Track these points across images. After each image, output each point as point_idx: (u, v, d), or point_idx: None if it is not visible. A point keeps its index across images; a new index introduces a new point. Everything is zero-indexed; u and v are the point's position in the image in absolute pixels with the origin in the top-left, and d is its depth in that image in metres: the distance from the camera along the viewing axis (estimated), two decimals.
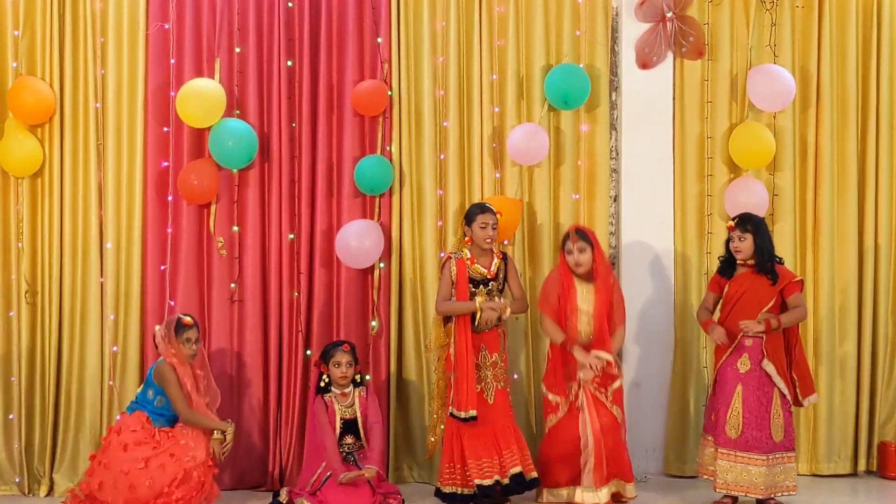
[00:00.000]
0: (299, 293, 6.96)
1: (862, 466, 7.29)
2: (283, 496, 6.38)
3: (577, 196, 7.17)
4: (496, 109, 7.13)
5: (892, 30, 7.33)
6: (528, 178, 7.17)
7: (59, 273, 6.85)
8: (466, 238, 6.53)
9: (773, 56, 7.22)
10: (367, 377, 6.72)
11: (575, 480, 6.28)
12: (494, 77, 7.13)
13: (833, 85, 7.27)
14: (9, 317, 6.83)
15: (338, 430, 6.43)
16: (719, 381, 6.38)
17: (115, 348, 6.85)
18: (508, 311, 6.42)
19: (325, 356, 6.54)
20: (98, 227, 6.89)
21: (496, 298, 6.46)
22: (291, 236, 6.98)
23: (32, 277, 6.84)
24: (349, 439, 6.47)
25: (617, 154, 7.27)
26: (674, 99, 7.26)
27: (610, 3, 7.22)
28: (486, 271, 6.50)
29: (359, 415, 6.47)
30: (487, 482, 6.29)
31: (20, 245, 6.82)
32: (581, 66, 7.11)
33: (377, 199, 7.02)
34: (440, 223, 7.10)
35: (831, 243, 7.27)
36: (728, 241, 6.46)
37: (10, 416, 6.79)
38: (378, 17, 7.02)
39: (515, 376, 7.09)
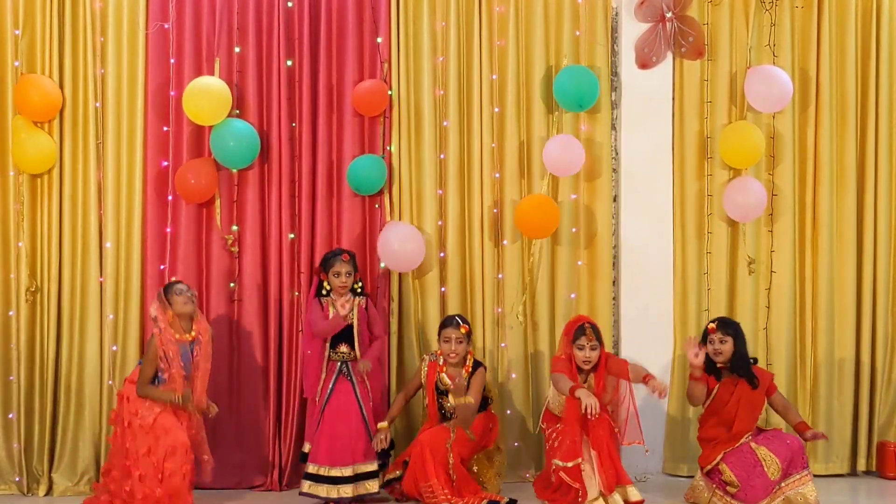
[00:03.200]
0: (299, 293, 6.96)
1: (862, 466, 7.30)
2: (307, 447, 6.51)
3: (577, 196, 7.17)
4: (496, 109, 7.13)
5: (891, 30, 7.34)
6: (528, 178, 7.17)
7: (58, 272, 6.85)
8: (439, 350, 6.62)
9: (773, 56, 7.23)
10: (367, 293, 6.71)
11: None
12: (494, 77, 7.13)
13: (832, 85, 7.28)
14: (8, 316, 6.83)
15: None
16: (735, 457, 6.39)
17: (114, 347, 6.84)
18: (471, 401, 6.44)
19: (325, 265, 6.52)
20: (97, 226, 6.89)
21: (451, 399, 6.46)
22: (291, 236, 6.99)
23: (32, 276, 6.83)
24: (343, 347, 6.46)
25: (616, 154, 7.27)
26: (673, 99, 7.27)
27: (609, 3, 7.22)
28: (450, 383, 6.51)
29: (356, 323, 6.46)
30: None
31: (20, 245, 6.81)
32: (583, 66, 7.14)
33: (377, 199, 7.02)
34: (440, 223, 7.10)
35: (830, 243, 7.28)
36: (703, 342, 6.48)
37: (10, 416, 6.79)
38: (378, 17, 7.03)
39: (513, 375, 7.12)
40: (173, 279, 6.48)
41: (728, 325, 6.53)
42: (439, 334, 6.61)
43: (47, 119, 6.81)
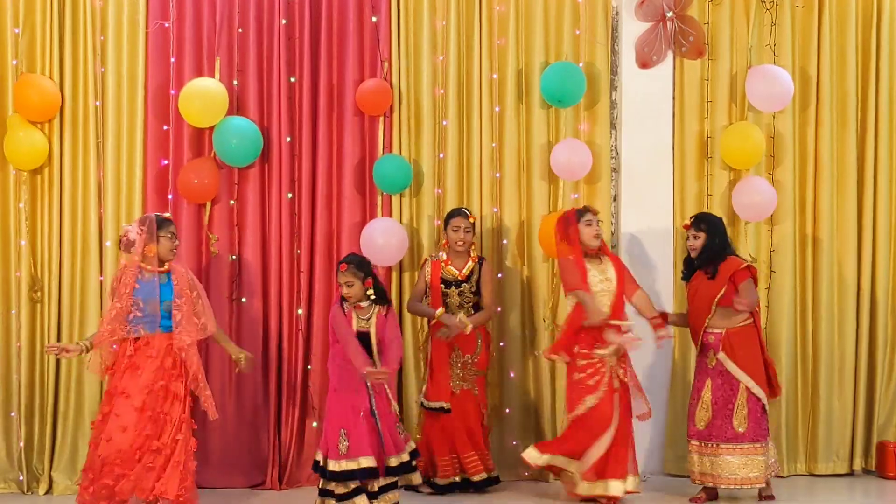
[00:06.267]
0: (299, 291, 6.96)
1: (858, 466, 7.29)
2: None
3: (577, 196, 7.17)
4: (496, 109, 7.13)
5: (891, 30, 7.34)
6: (527, 178, 7.17)
7: (58, 271, 6.85)
8: (444, 241, 6.74)
9: (773, 56, 7.23)
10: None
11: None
12: (494, 76, 7.13)
13: (832, 85, 7.28)
14: (9, 314, 6.83)
15: None
16: (695, 376, 6.65)
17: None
18: (469, 328, 6.55)
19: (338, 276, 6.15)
20: (98, 225, 6.89)
21: (460, 315, 6.58)
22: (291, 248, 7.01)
23: (32, 275, 6.83)
24: None
25: (617, 153, 7.27)
26: (673, 98, 7.27)
27: (610, 2, 7.22)
28: (457, 273, 6.66)
29: (373, 332, 6.02)
30: (444, 482, 6.59)
31: (23, 243, 6.81)
32: (580, 64, 7.12)
33: (378, 198, 7.03)
34: (438, 222, 7.10)
35: (830, 243, 7.28)
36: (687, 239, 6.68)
37: (12, 414, 6.80)
38: (378, 16, 7.02)
39: (511, 374, 7.13)
40: (167, 214, 6.19)
41: (701, 221, 6.59)
42: (446, 225, 6.73)
43: (45, 119, 6.81)
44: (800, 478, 7.20)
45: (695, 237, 6.55)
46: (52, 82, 6.79)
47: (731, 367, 6.41)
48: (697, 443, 6.47)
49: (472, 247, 6.76)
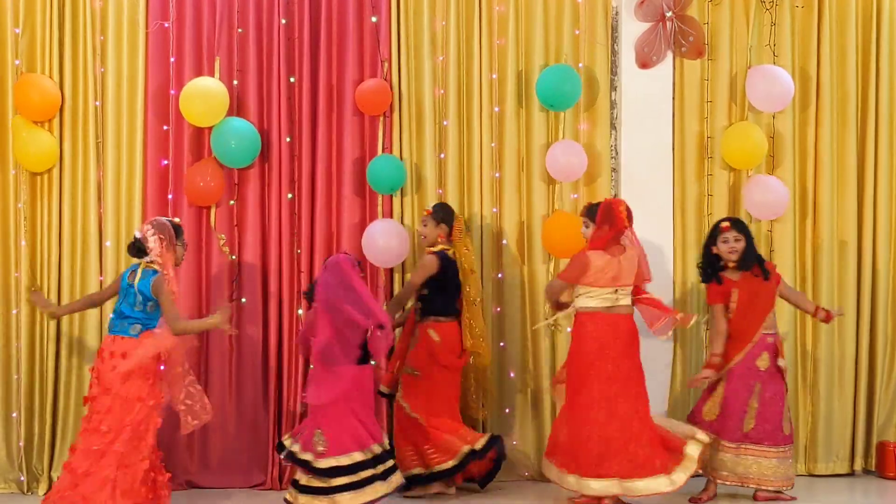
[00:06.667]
0: (299, 292, 6.95)
1: (858, 466, 7.30)
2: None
3: (576, 196, 7.18)
4: (496, 109, 7.14)
5: (891, 30, 7.34)
6: (527, 178, 7.17)
7: (58, 271, 6.85)
8: None
9: (773, 56, 7.23)
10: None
11: None
12: (494, 76, 7.14)
13: (832, 85, 7.28)
14: (9, 315, 6.83)
15: None
16: (735, 377, 6.46)
17: None
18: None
19: None
20: (97, 225, 6.89)
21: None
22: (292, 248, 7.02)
23: (32, 275, 6.83)
24: None
25: (616, 153, 7.27)
26: (673, 98, 7.27)
27: (610, 2, 7.22)
28: None
29: None
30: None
31: (23, 243, 6.81)
32: (580, 65, 7.13)
33: (378, 199, 7.03)
34: None
35: (830, 243, 7.28)
36: (710, 244, 6.56)
37: (13, 414, 6.80)
38: (378, 16, 7.02)
39: (511, 374, 7.12)
40: (178, 220, 6.15)
41: (741, 224, 6.55)
42: None
43: (46, 118, 6.81)
44: (800, 478, 7.15)
45: (736, 240, 6.46)
46: (52, 82, 6.79)
47: (784, 368, 6.47)
48: (738, 445, 6.40)
49: (442, 240, 6.65)
